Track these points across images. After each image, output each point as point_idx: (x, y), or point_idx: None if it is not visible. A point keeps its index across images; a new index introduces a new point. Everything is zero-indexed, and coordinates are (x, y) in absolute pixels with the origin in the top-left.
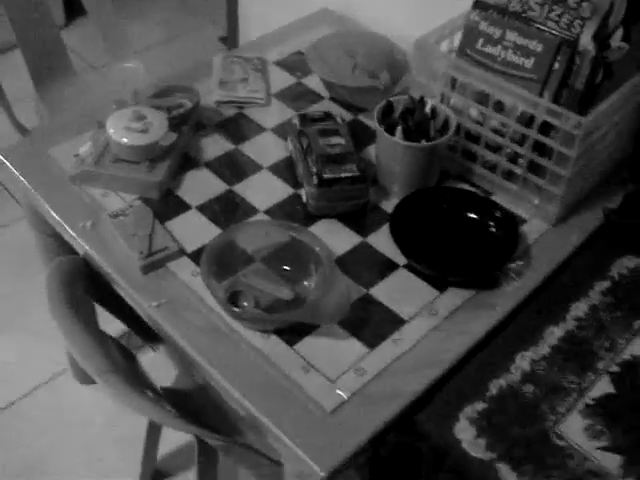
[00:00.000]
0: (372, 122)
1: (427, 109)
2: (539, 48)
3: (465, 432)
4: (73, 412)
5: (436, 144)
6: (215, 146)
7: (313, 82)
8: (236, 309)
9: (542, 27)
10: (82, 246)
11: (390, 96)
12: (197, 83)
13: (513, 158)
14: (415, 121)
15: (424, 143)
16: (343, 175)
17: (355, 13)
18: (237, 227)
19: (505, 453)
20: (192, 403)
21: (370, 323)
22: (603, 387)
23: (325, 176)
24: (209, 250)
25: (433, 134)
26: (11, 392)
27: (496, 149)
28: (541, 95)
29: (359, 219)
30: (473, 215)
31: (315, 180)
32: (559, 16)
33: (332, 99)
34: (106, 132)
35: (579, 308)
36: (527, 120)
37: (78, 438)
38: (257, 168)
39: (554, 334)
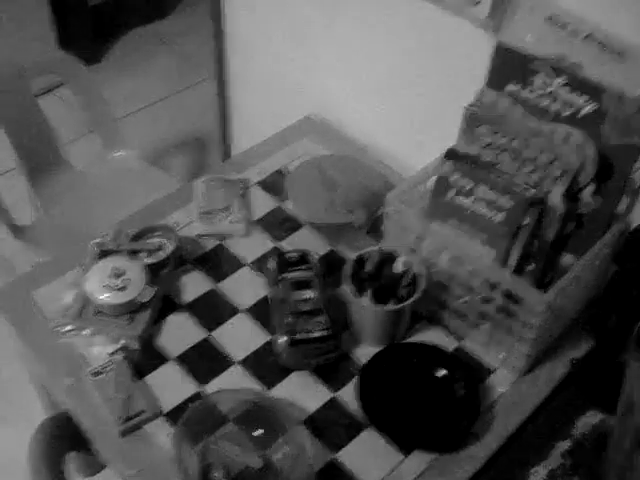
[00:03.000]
0: (349, 251)
1: (397, 265)
2: (509, 204)
3: None
4: None
5: (403, 307)
6: (195, 285)
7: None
8: None
9: (513, 182)
10: (65, 402)
11: (365, 230)
12: (178, 212)
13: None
14: (385, 279)
15: (391, 306)
16: (313, 336)
17: (337, 120)
18: (213, 396)
19: None
20: None
21: None
22: None
23: (297, 337)
24: (183, 422)
25: (401, 294)
26: None
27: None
28: (510, 248)
29: (331, 372)
30: (440, 372)
31: (288, 340)
32: (530, 172)
33: (311, 224)
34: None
35: (538, 473)
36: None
37: None
38: (234, 311)
39: None
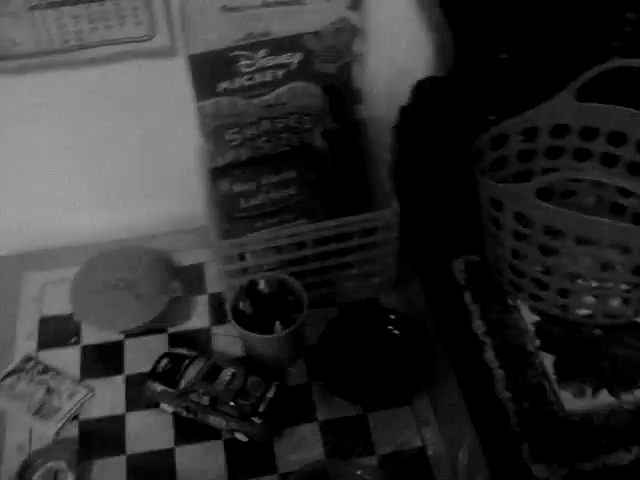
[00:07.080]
0: (194, 320)
1: (261, 289)
2: (294, 174)
3: None
4: None
5: (304, 315)
6: (110, 475)
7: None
8: None
9: (283, 157)
10: None
11: (190, 297)
12: (9, 431)
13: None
14: (267, 305)
15: (300, 316)
16: (269, 397)
17: (59, 234)
18: None
19: None
20: None
21: None
22: None
23: (261, 409)
24: None
25: (289, 303)
26: None
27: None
28: (317, 208)
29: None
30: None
31: (258, 420)
32: (290, 137)
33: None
34: None
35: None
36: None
37: None
38: (169, 455)
39: None
